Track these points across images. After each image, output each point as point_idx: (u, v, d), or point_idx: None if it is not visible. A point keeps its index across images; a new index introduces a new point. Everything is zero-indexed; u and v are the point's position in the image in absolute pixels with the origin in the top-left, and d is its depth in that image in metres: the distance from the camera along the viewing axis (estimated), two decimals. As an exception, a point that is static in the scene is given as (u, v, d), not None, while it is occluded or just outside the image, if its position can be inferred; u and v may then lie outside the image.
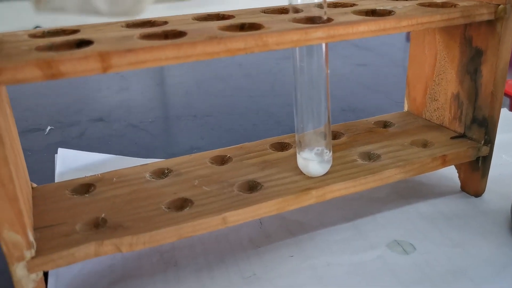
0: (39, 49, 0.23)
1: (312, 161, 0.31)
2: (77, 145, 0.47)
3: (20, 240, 0.23)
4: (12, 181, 0.22)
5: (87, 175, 0.33)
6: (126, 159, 0.42)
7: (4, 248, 0.23)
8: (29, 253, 0.24)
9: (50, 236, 0.26)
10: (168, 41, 0.24)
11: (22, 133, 0.50)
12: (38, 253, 0.24)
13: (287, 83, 0.66)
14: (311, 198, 0.30)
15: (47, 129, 0.51)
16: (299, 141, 0.31)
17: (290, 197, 0.30)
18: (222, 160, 0.35)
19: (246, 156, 0.35)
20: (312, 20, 0.30)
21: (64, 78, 0.22)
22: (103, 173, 0.33)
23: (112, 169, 0.33)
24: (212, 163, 0.34)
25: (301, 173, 0.32)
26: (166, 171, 0.33)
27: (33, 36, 0.26)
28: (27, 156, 0.42)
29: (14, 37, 0.26)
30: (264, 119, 0.53)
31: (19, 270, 0.24)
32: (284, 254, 0.31)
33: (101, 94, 0.62)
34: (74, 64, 0.22)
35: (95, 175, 0.32)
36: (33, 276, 0.24)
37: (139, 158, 0.43)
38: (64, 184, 0.31)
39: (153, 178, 0.32)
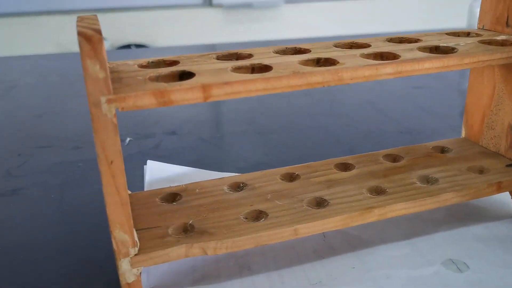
0: (151, 79, 0.28)
1: None
2: (153, 156, 0.52)
3: (127, 239, 0.28)
4: (125, 189, 0.27)
5: (171, 185, 0.37)
6: (203, 172, 0.47)
7: (114, 245, 0.28)
8: (133, 251, 0.28)
9: (148, 237, 0.30)
10: (258, 75, 0.28)
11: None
12: (140, 251, 0.29)
13: (345, 103, 0.69)
14: (374, 216, 0.34)
15: (127, 141, 0.56)
16: None
17: (355, 214, 0.33)
18: (291, 177, 0.38)
19: (313, 175, 0.38)
20: (380, 56, 0.33)
21: (172, 105, 0.26)
22: (187, 184, 0.37)
23: (192, 180, 0.38)
24: (282, 179, 0.38)
25: (364, 192, 0.35)
26: (241, 184, 0.37)
27: (141, 66, 0.31)
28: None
29: (126, 66, 0.30)
30: (323, 138, 0.57)
31: (124, 265, 0.28)
32: (346, 265, 0.34)
33: (173, 109, 0.67)
34: (182, 94, 0.26)
35: (180, 185, 0.37)
36: (135, 270, 0.29)
37: (214, 172, 0.47)
38: (154, 193, 0.36)
39: (230, 190, 0.36)
